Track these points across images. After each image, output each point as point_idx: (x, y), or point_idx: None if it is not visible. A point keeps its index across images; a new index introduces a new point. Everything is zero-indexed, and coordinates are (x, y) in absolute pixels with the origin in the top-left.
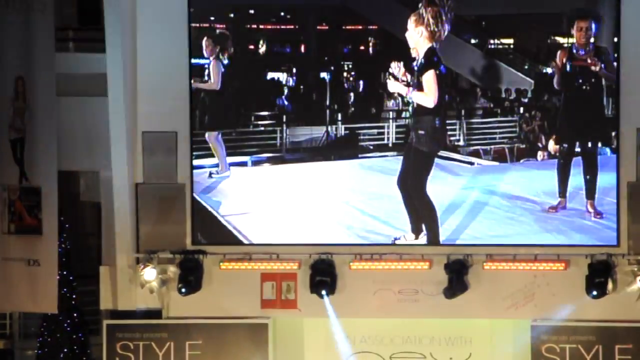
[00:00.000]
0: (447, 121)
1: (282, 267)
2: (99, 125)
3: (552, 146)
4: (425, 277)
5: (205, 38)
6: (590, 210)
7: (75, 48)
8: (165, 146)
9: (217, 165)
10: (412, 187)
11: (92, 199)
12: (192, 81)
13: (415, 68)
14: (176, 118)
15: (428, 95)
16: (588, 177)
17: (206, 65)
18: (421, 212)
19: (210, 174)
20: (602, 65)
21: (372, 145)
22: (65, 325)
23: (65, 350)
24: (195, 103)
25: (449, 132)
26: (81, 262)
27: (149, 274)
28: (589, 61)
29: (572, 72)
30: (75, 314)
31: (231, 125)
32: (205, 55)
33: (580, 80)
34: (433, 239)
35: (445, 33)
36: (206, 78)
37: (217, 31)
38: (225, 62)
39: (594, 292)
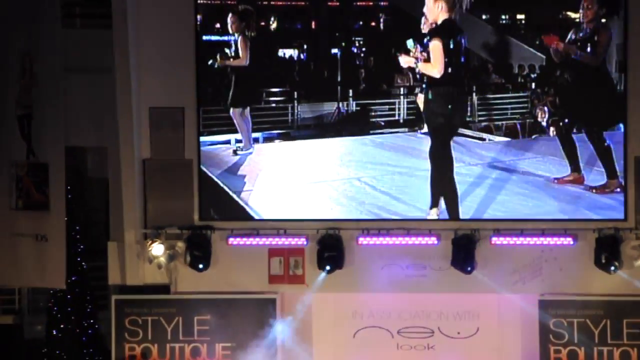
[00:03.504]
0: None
1: (289, 243)
2: (106, 101)
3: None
4: (433, 252)
5: (230, 15)
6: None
7: (82, 24)
8: (172, 122)
9: (234, 142)
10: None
11: (100, 175)
12: (219, 59)
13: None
14: (183, 93)
15: (434, 66)
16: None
17: (232, 42)
18: (443, 188)
19: (235, 151)
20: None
21: (383, 121)
22: (74, 300)
23: (74, 325)
24: (224, 81)
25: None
26: (89, 237)
27: (157, 249)
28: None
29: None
30: (83, 290)
31: (256, 101)
32: (231, 31)
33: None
34: (452, 215)
35: (465, 5)
36: (233, 54)
37: (241, 7)
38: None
39: (602, 267)
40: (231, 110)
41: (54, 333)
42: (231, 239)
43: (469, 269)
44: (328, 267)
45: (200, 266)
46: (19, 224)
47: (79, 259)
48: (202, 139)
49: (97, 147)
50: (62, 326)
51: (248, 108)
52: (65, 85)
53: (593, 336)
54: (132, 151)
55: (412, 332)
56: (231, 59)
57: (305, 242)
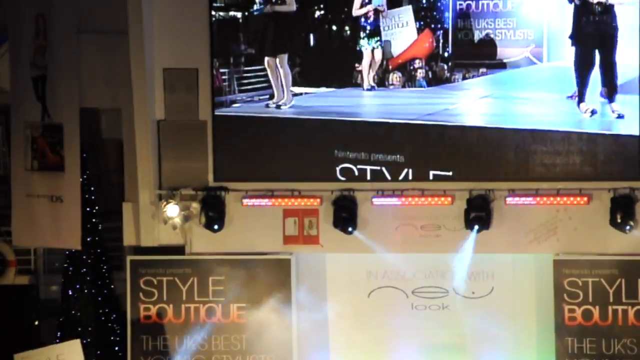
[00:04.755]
0: None
1: (304, 204)
2: (120, 62)
3: None
4: (447, 213)
5: None
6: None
7: None
8: (186, 83)
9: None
10: None
11: (114, 136)
12: (268, 5)
13: None
14: (197, 54)
15: None
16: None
17: None
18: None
19: (278, 105)
20: None
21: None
22: (89, 261)
23: (89, 286)
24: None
25: None
26: (104, 198)
27: (172, 210)
28: None
29: None
30: (98, 250)
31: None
32: None
33: None
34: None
35: None
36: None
37: None
38: None
39: (617, 226)
40: (266, 60)
41: (70, 293)
42: (246, 200)
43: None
44: (343, 228)
45: (215, 227)
46: (34, 185)
47: (94, 220)
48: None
49: (111, 108)
50: (77, 287)
51: (286, 56)
52: (79, 47)
53: (608, 295)
54: (147, 112)
55: (426, 292)
56: (279, 5)
57: (319, 203)
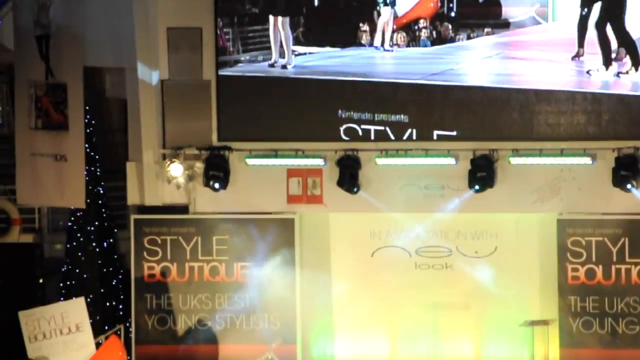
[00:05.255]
0: None
1: (307, 163)
2: (124, 21)
3: None
4: (451, 173)
5: None
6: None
7: None
8: (190, 42)
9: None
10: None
11: (118, 96)
12: None
13: None
14: (200, 14)
15: None
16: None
17: None
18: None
19: (284, 65)
20: None
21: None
22: (93, 220)
23: (93, 244)
24: None
25: None
26: (108, 158)
27: (175, 169)
28: None
29: None
30: (102, 209)
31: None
32: None
33: None
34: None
35: None
36: None
37: None
38: None
39: (621, 186)
40: (271, 19)
41: (74, 252)
42: (249, 160)
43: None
44: (347, 188)
45: (219, 186)
46: (38, 144)
47: (97, 179)
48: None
49: (115, 67)
50: (81, 245)
51: (288, 19)
52: (83, 6)
53: (611, 255)
54: (150, 72)
55: (430, 251)
56: None
57: (323, 163)
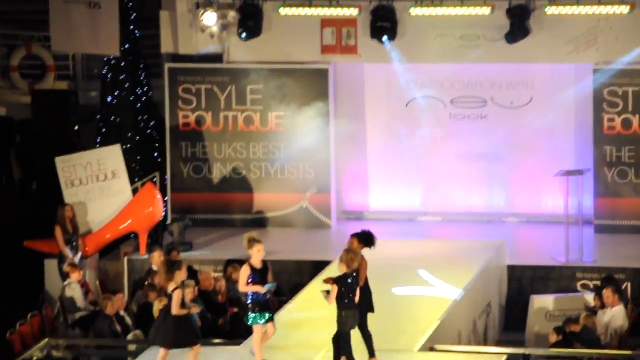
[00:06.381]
0: None
1: (342, 13)
2: None
3: None
4: (486, 22)
5: None
6: None
7: None
8: None
9: None
10: None
11: None
12: None
13: None
14: None
15: None
16: None
17: None
18: None
19: None
20: None
21: None
22: (127, 67)
23: (128, 92)
24: None
25: None
26: (141, 5)
27: (209, 18)
28: None
29: None
30: (136, 57)
31: None
32: None
33: None
34: None
35: None
36: None
37: None
38: None
39: None
40: None
41: (108, 100)
42: (282, 10)
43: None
44: (382, 37)
45: (252, 36)
46: None
47: (131, 27)
48: None
49: None
50: (116, 93)
51: None
52: None
53: None
54: None
55: (465, 101)
56: None
57: (357, 13)
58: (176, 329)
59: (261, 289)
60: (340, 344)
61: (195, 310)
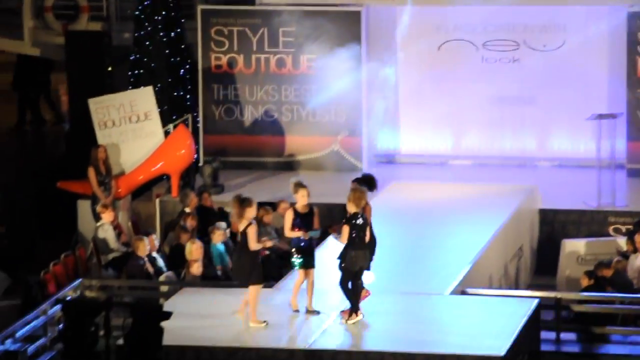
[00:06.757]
0: None
1: None
2: None
3: None
4: None
5: None
6: None
7: None
8: None
9: None
10: None
11: None
12: None
13: None
14: None
15: None
16: None
17: None
18: None
19: None
20: None
21: None
22: (161, 8)
23: (161, 34)
24: None
25: None
26: None
27: None
28: None
29: None
30: None
31: None
32: None
33: None
34: None
35: None
36: None
37: None
38: None
39: None
40: None
41: (141, 41)
42: None
43: None
44: None
45: None
46: None
47: None
48: None
49: None
50: (149, 34)
51: None
52: None
53: None
54: None
55: (497, 44)
56: None
57: None
58: (259, 264)
59: (305, 235)
60: (348, 291)
61: (269, 244)
